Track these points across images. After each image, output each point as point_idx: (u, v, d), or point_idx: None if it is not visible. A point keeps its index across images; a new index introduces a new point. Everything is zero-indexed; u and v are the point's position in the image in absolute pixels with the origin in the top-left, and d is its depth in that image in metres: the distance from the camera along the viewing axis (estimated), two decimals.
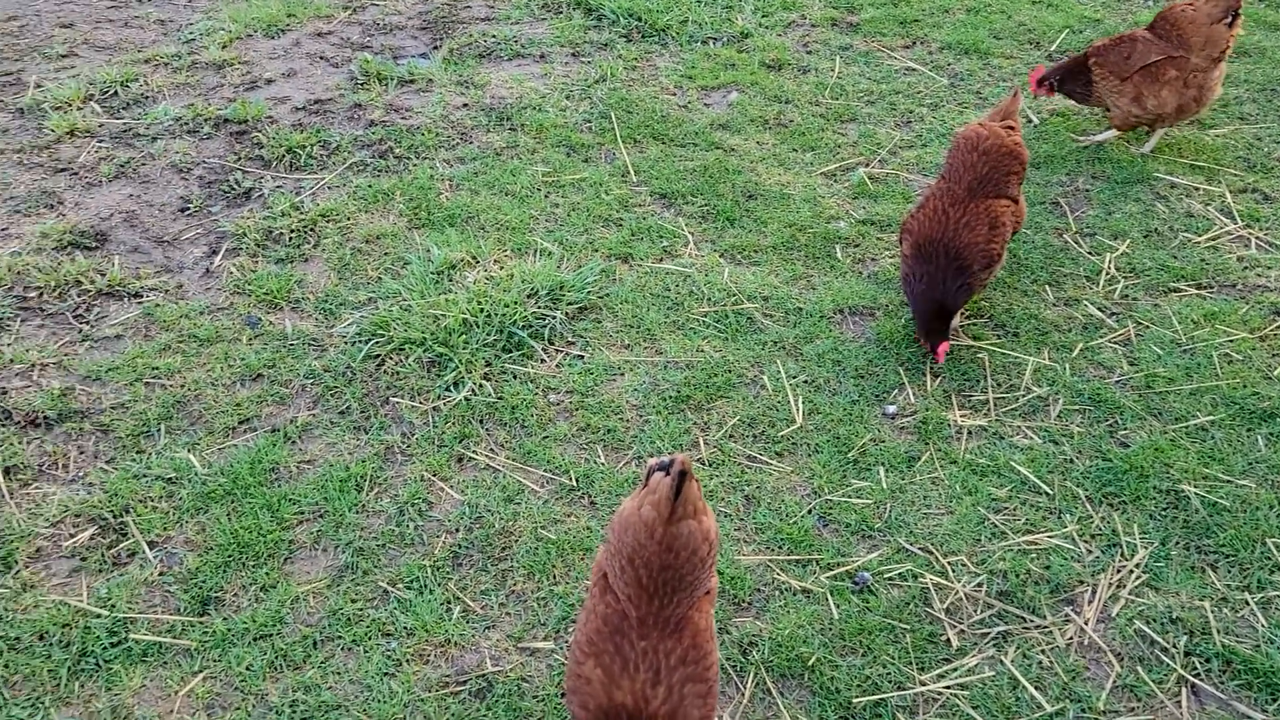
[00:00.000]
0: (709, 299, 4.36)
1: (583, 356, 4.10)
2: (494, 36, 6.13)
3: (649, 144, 5.27)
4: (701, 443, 3.75)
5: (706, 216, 4.82)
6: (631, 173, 5.07)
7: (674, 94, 5.69)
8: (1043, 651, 3.09)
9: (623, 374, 4.03)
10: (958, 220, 3.90)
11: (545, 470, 3.67)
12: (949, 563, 3.34)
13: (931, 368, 4.02)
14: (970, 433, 3.79)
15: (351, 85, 5.71)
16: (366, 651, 3.12)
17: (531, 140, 5.28)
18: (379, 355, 4.08)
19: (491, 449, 3.76)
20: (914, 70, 5.90)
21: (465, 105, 5.54)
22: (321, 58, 5.97)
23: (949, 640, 3.14)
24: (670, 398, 3.91)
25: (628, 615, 2.49)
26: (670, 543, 2.44)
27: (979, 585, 3.29)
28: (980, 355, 4.09)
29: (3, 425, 3.80)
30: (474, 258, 4.47)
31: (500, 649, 3.14)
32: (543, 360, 4.09)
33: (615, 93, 5.62)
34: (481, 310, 4.17)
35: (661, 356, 4.10)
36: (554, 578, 3.33)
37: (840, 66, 5.92)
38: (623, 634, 2.47)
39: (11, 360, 4.04)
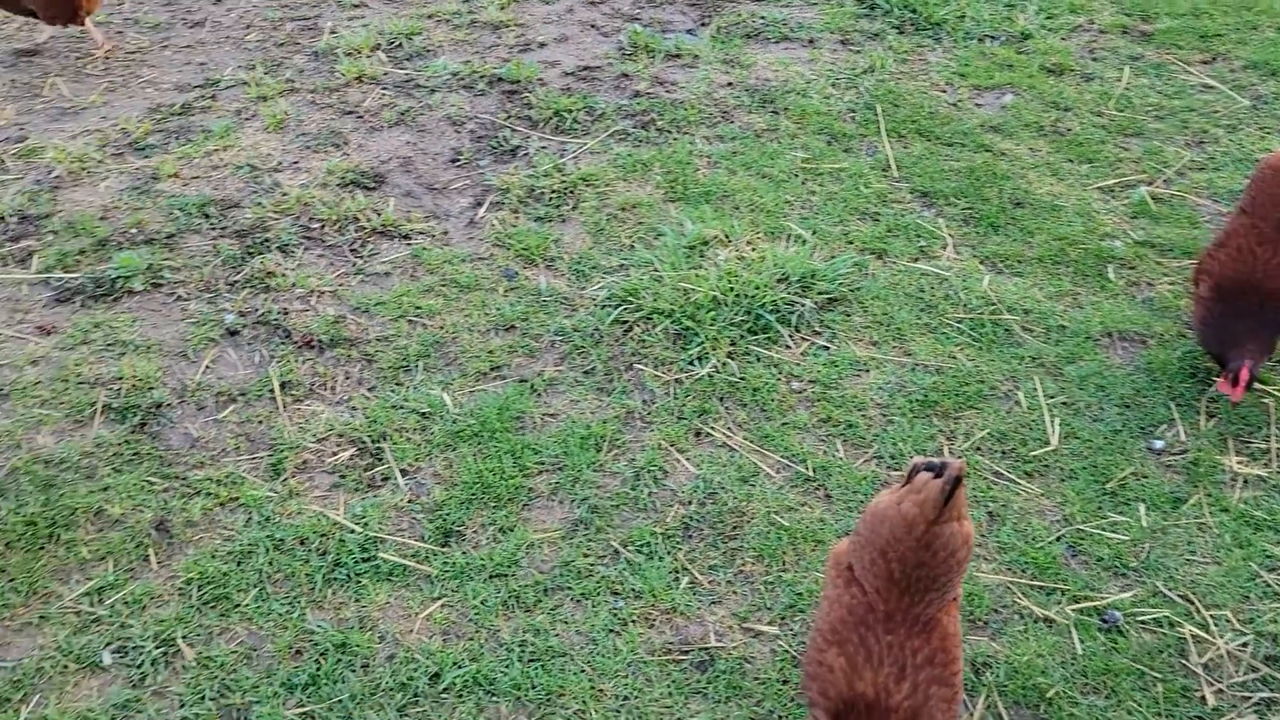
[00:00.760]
0: (965, 305, 4.20)
1: (828, 347, 4.04)
2: (763, 18, 6.10)
3: (914, 140, 5.12)
4: (946, 451, 3.62)
5: (969, 220, 4.65)
6: (893, 167, 4.95)
7: (944, 91, 5.51)
8: None
9: (868, 370, 3.95)
10: (1267, 261, 3.57)
11: (782, 456, 3.64)
12: (1211, 616, 3.10)
13: (1207, 407, 3.73)
14: (1247, 481, 3.50)
15: (619, 55, 5.82)
16: (594, 606, 3.19)
17: (793, 125, 5.23)
18: (627, 321, 4.15)
19: (729, 427, 3.76)
20: (1211, 88, 5.48)
21: (729, 84, 5.55)
22: (592, 26, 6.11)
23: (1204, 697, 2.92)
24: (917, 401, 3.80)
25: (874, 608, 2.44)
26: (930, 541, 2.37)
27: (1244, 645, 3.04)
28: (1265, 401, 3.77)
29: (282, 343, 4.10)
30: (727, 236, 4.47)
31: (724, 625, 3.15)
32: (788, 346, 4.05)
33: (883, 84, 5.49)
34: (731, 289, 4.17)
35: (910, 358, 3.99)
36: (783, 564, 3.30)
37: (1129, 77, 5.57)
38: (868, 626, 2.42)
39: (294, 284, 4.34)
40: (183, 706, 2.93)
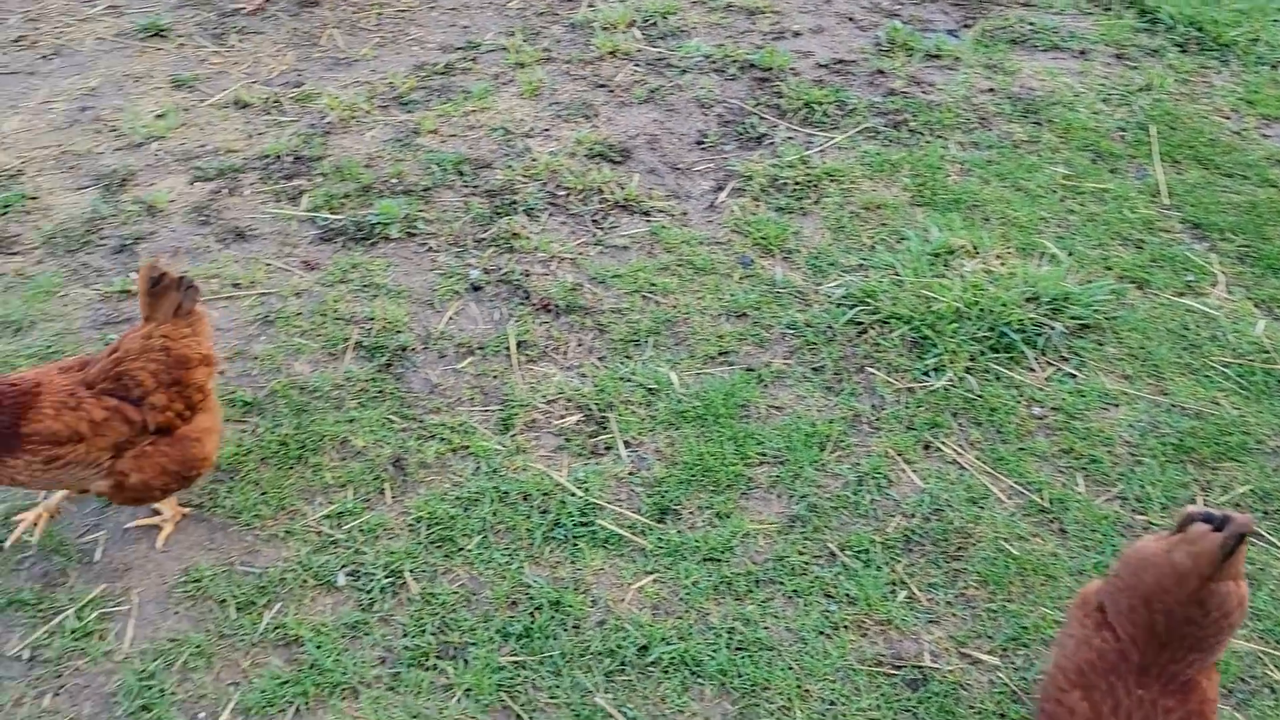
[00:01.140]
0: (1234, 349, 3.90)
1: (1076, 375, 3.84)
2: (1031, 24, 5.83)
3: (1189, 167, 4.79)
4: (1201, 503, 3.38)
5: (1245, 258, 4.31)
6: (1164, 193, 4.64)
7: (1228, 117, 5.12)
8: None
9: (1118, 405, 3.72)
10: None
11: (1015, 481, 3.49)
12: None
13: None
14: None
15: (876, 50, 5.69)
16: (806, 606, 3.15)
17: (1055, 139, 4.98)
18: (862, 323, 4.06)
19: (961, 444, 3.63)
20: None
21: (990, 90, 5.34)
22: (850, 19, 6.00)
23: None
24: (1170, 444, 3.56)
25: (1128, 657, 2.30)
26: (1203, 599, 2.21)
27: None
28: None
29: (521, 303, 4.23)
30: (974, 248, 4.30)
31: (941, 647, 3.04)
32: (1032, 369, 3.87)
33: (1159, 105, 5.15)
34: (975, 303, 4.01)
35: (1166, 397, 3.74)
36: (1009, 593, 3.16)
37: None
38: (1119, 674, 2.29)
39: (537, 248, 4.47)
40: (405, 636, 3.08)
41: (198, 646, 3.04)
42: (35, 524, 3.34)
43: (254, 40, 6.07)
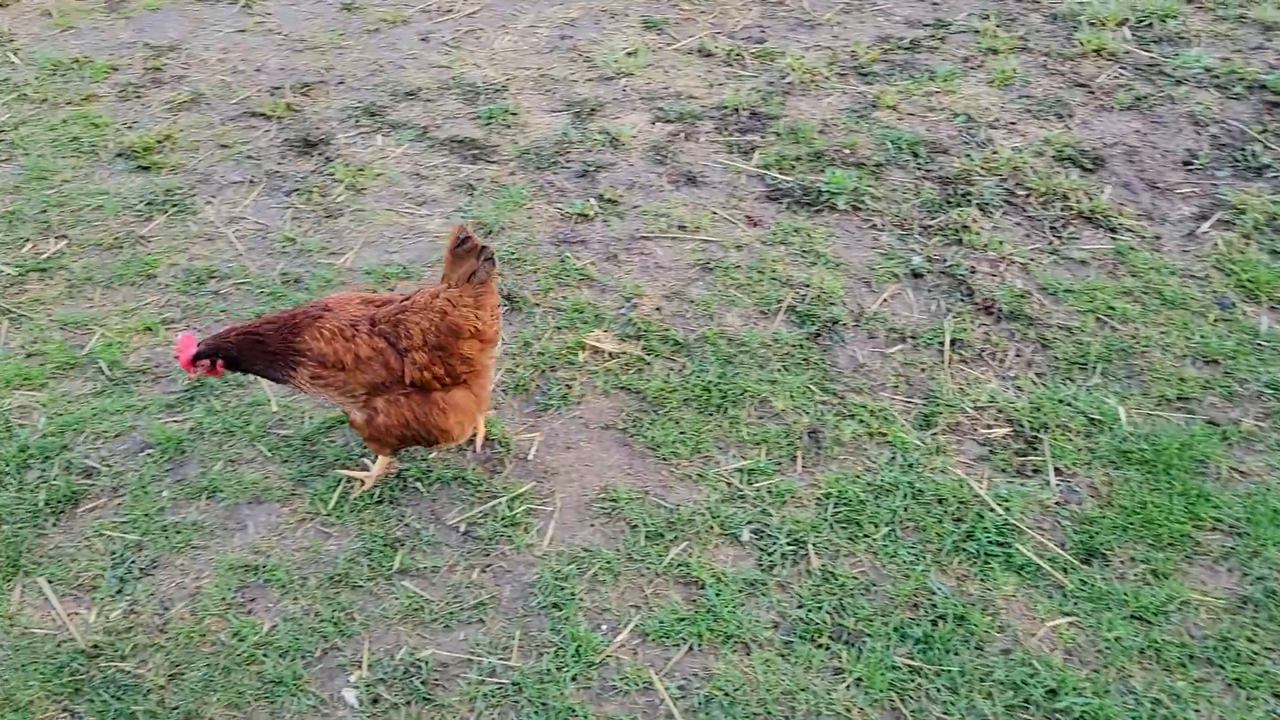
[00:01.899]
0: None
1: None
2: None
3: None
4: None
5: None
6: None
7: None
8: None
9: None
10: None
11: None
12: None
13: None
14: None
15: None
16: (1249, 701, 2.78)
17: None
18: None
19: None
20: None
21: None
22: None
23: None
24: None
25: None
26: None
27: None
28: None
29: (962, 300, 4.05)
30: None
31: None
32: None
33: None
34: None
35: None
36: None
37: None
38: None
39: (987, 245, 4.26)
40: (800, 607, 3.06)
41: (607, 562, 3.19)
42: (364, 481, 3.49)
43: None
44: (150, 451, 3.53)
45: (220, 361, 3.16)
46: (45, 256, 4.34)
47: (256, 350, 3.16)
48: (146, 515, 3.32)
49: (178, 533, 3.27)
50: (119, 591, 3.10)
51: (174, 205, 4.63)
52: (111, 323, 4.02)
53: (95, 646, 2.95)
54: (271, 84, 5.50)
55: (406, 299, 3.20)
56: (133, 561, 3.19)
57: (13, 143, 5.05)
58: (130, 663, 2.91)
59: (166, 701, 2.82)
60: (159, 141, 5.03)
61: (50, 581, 3.13)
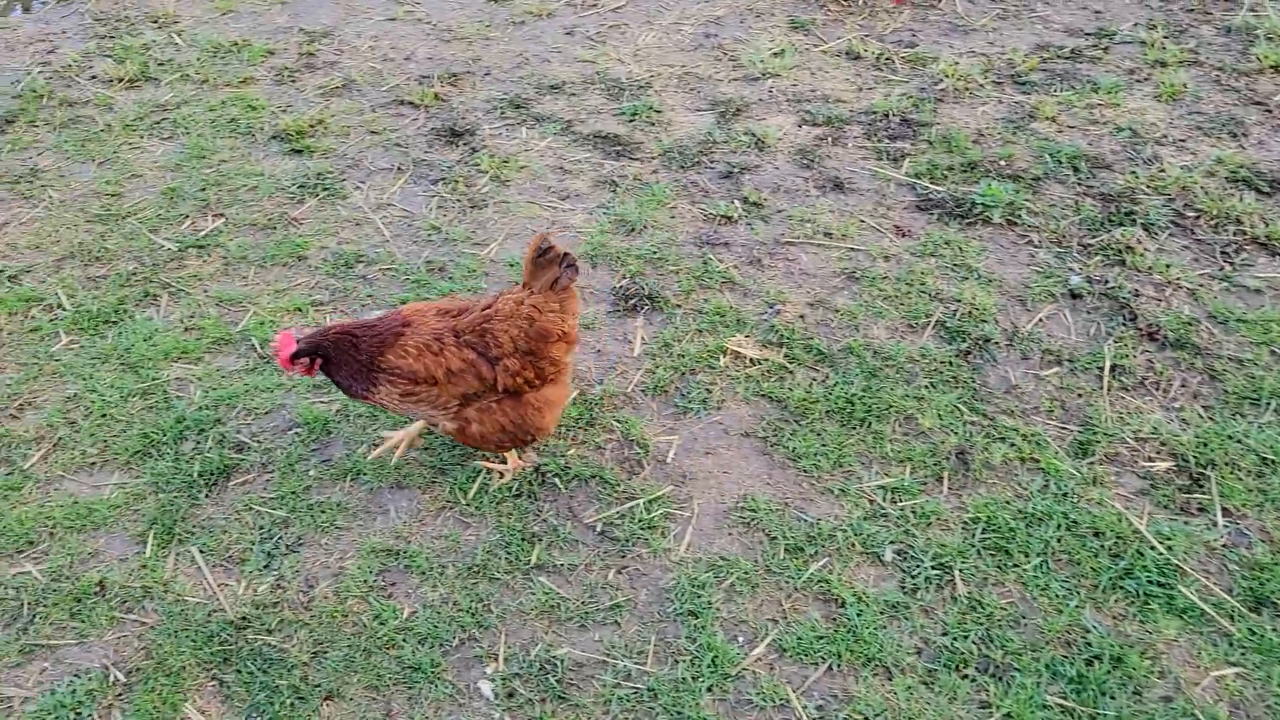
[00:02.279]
0: None
1: None
2: None
3: None
4: None
5: None
6: None
7: None
8: None
9: None
10: None
11: None
12: None
13: None
14: None
15: None
16: None
17: None
18: None
19: None
20: None
21: None
22: None
23: None
24: None
25: None
26: None
27: None
28: None
29: (1124, 324, 3.86)
30: None
31: None
32: None
33: None
34: None
35: None
36: None
37: None
38: None
39: (1152, 268, 4.06)
40: (945, 635, 2.95)
41: (745, 573, 3.13)
42: (397, 447, 3.51)
43: None
44: (298, 430, 3.60)
45: (317, 360, 3.18)
46: (203, 234, 4.48)
47: (348, 354, 3.16)
48: (294, 493, 3.39)
49: (322, 512, 3.33)
50: (266, 566, 3.18)
51: (325, 189, 4.74)
52: (264, 301, 4.13)
53: (243, 618, 3.03)
54: (420, 73, 5.59)
55: (487, 307, 3.21)
56: (280, 538, 3.26)
57: (175, 121, 5.23)
58: (276, 637, 2.98)
59: (310, 678, 2.87)
60: (312, 126, 5.15)
61: (202, 551, 3.22)
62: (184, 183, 4.79)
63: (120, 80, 5.55)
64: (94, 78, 5.59)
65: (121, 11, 6.31)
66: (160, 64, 5.71)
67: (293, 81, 5.56)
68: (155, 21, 6.18)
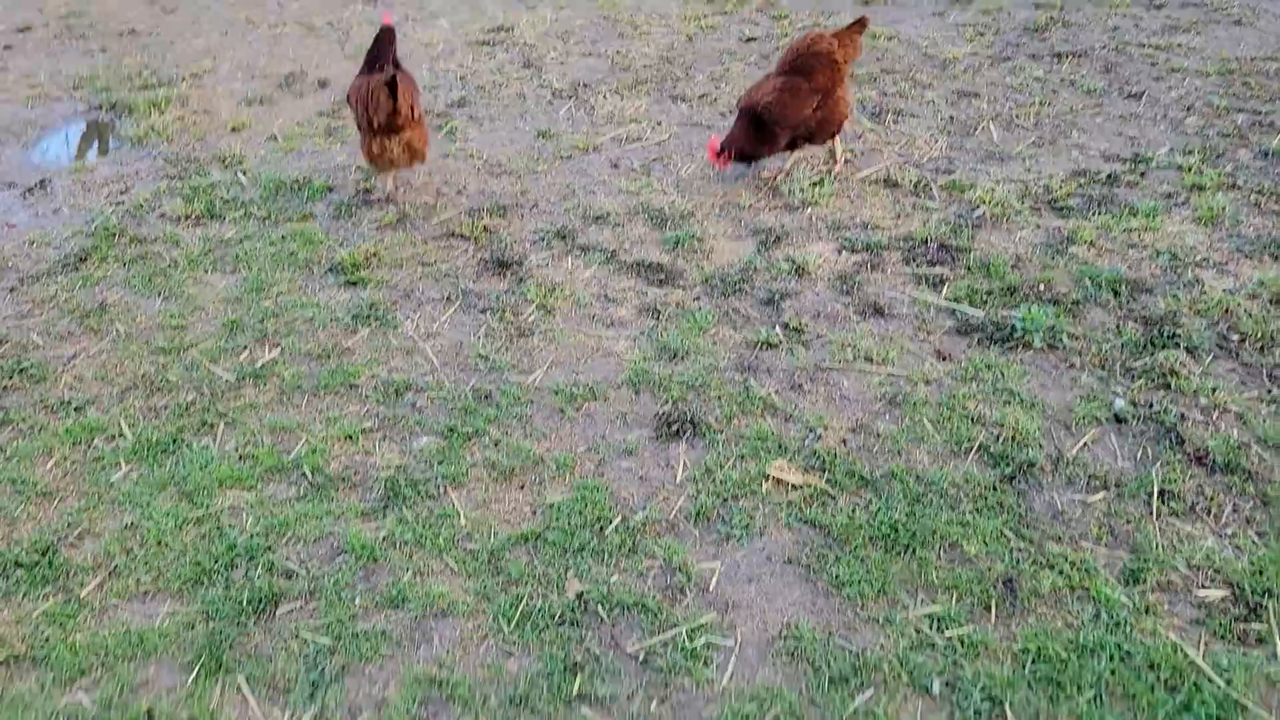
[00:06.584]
0: None
1: None
2: None
3: None
4: None
5: None
6: None
7: None
8: None
9: None
10: None
11: None
12: None
13: None
14: None
15: None
16: None
17: None
18: None
19: None
20: None
21: None
22: None
23: None
24: None
25: None
26: None
27: None
28: None
29: (1171, 449, 3.83)
30: None
31: None
32: None
33: None
34: None
35: None
36: None
37: None
38: None
39: (1197, 391, 4.03)
40: None
41: (789, 705, 3.08)
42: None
43: (909, 122, 6.24)
44: (344, 557, 3.66)
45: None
46: (260, 364, 4.64)
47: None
48: (339, 620, 3.42)
49: (367, 640, 3.35)
50: (310, 696, 3.19)
51: (377, 319, 4.90)
52: (315, 429, 4.24)
53: None
54: (470, 206, 5.81)
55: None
56: (325, 667, 3.28)
57: (238, 256, 5.48)
58: None
59: None
60: (366, 258, 5.36)
61: (248, 680, 3.25)
62: (244, 314, 4.98)
63: (187, 218, 5.84)
64: (163, 215, 5.89)
65: (192, 153, 6.67)
66: (225, 201, 6.01)
67: (349, 217, 5.80)
68: (223, 161, 6.53)
